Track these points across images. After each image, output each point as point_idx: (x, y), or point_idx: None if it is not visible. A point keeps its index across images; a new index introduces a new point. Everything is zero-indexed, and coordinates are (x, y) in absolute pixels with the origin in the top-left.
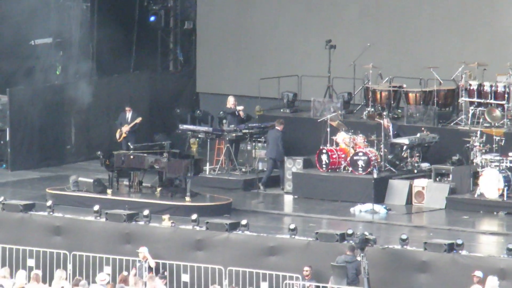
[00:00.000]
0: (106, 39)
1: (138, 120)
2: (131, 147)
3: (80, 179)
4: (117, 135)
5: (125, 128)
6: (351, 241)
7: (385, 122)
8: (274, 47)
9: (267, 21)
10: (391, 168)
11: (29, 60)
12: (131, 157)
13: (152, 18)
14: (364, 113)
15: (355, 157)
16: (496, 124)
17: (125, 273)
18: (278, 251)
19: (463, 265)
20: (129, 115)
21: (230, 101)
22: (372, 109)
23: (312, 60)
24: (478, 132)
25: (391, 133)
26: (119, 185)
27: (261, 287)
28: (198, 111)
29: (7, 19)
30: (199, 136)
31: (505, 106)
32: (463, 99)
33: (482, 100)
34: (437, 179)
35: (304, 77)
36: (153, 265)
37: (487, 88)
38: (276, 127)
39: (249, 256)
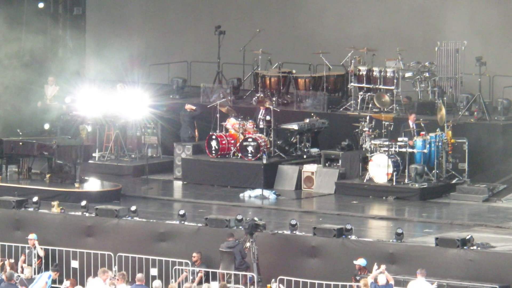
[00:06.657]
0: None
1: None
2: (20, 133)
3: None
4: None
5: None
6: (233, 228)
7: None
8: (163, 33)
9: (155, 7)
10: (281, 154)
11: None
12: (20, 143)
13: (40, 4)
14: (254, 98)
15: (244, 143)
16: (385, 109)
17: (11, 260)
18: (168, 237)
19: (352, 249)
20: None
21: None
22: (262, 95)
23: (201, 46)
24: (367, 118)
25: (260, 116)
26: (8, 172)
27: (151, 273)
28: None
29: None
30: (89, 122)
31: (394, 91)
32: (352, 85)
33: (371, 86)
34: (327, 164)
35: (193, 63)
36: (41, 254)
37: (376, 73)
38: None
39: (139, 242)
